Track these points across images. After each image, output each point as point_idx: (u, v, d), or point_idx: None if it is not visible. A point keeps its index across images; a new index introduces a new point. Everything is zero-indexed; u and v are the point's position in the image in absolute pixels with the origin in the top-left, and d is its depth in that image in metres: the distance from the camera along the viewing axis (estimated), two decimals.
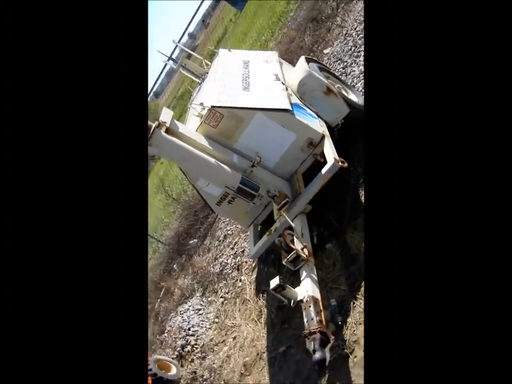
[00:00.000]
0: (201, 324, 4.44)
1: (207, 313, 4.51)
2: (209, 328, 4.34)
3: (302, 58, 3.66)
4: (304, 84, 3.50)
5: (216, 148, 3.11)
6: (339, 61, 4.63)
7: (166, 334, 4.87)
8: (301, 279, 2.78)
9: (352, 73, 4.27)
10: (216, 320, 4.33)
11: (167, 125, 2.89)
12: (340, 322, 2.72)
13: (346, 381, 2.50)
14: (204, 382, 3.84)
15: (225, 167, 3.00)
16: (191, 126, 3.24)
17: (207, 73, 4.22)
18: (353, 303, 2.80)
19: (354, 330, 2.67)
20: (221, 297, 4.46)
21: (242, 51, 4.27)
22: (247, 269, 4.29)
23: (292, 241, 2.92)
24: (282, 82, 3.50)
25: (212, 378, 3.78)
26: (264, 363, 3.30)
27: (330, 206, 3.46)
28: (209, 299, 4.65)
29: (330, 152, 3.04)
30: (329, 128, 3.46)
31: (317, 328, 2.40)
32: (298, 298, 2.68)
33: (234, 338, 3.85)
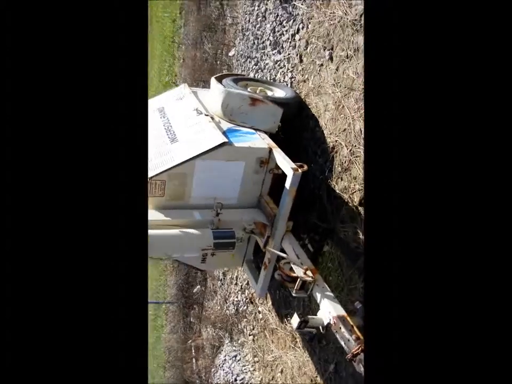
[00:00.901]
0: (244, 369, 4.29)
1: (244, 356, 4.36)
2: (253, 370, 4.19)
3: (213, 81, 3.48)
4: (227, 104, 3.32)
5: (174, 215, 2.93)
6: (249, 59, 4.46)
7: None
8: (318, 301, 2.65)
9: (266, 66, 4.11)
10: (256, 359, 4.18)
11: None
12: None
13: None
14: None
15: (191, 231, 2.83)
16: None
17: None
18: None
19: None
20: (249, 335, 4.31)
21: (151, 100, 4.05)
22: (259, 299, 4.14)
23: (291, 269, 2.78)
24: (205, 114, 3.32)
25: None
26: None
27: (308, 208, 3.33)
28: (239, 341, 4.49)
29: (284, 163, 2.89)
30: (272, 136, 3.31)
31: (358, 348, 2.28)
32: (325, 323, 2.55)
33: (281, 371, 3.72)
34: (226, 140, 2.92)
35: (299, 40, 3.58)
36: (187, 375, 5.77)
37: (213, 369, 4.94)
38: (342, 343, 2.39)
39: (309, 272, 2.69)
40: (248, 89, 3.56)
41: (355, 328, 2.39)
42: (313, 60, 3.40)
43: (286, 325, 3.71)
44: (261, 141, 3.12)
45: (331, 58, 3.18)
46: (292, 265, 2.79)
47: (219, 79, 3.54)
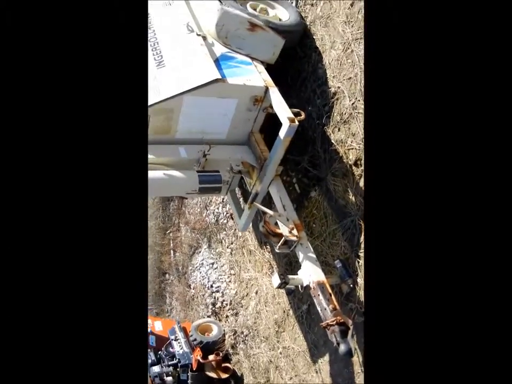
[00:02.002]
0: (220, 278, 4.51)
1: (221, 266, 4.55)
2: (229, 281, 4.41)
3: None
4: (223, 25, 2.91)
5: (159, 151, 2.75)
6: None
7: (193, 290, 5.02)
8: (300, 260, 2.66)
9: None
10: (232, 272, 4.37)
11: None
12: (351, 285, 2.68)
13: None
14: (246, 338, 4.03)
15: (177, 174, 2.69)
16: None
17: None
18: (358, 262, 2.72)
19: None
20: (227, 247, 4.44)
21: None
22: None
23: (276, 224, 2.73)
24: (197, 34, 2.92)
25: (251, 334, 3.96)
26: (293, 320, 3.38)
27: (300, 148, 3.17)
28: (217, 251, 4.64)
29: (281, 109, 2.65)
30: (269, 67, 2.99)
31: (334, 321, 2.36)
32: (305, 284, 2.60)
33: (256, 292, 3.93)
34: (219, 76, 2.62)
35: None
36: (164, 266, 6.08)
37: (190, 268, 5.20)
38: (319, 309, 2.47)
39: (294, 231, 2.66)
40: (248, 5, 3.10)
41: (333, 297, 2.45)
42: None
43: (264, 250, 3.81)
44: (257, 76, 2.82)
45: None
46: (277, 220, 2.74)
47: None
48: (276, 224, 2.74)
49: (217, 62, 2.81)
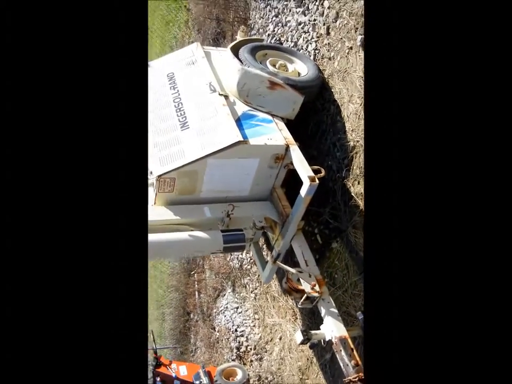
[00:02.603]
0: (245, 322, 4.61)
1: (246, 310, 4.66)
2: (253, 326, 4.51)
3: (229, 53, 3.21)
4: (244, 84, 3.11)
5: (184, 212, 2.92)
6: (268, 7, 4.03)
7: (217, 333, 5.12)
8: (322, 315, 2.76)
9: (288, 23, 3.74)
10: (256, 316, 4.47)
11: None
12: None
13: None
14: (271, 383, 4.11)
15: (202, 235, 2.84)
16: (149, 199, 3.01)
17: None
18: None
19: None
20: (251, 292, 4.55)
21: (163, 59, 3.75)
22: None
23: (299, 281, 2.85)
24: (219, 93, 3.12)
25: (275, 380, 4.03)
26: (317, 368, 3.46)
27: (322, 201, 3.30)
28: (241, 295, 4.76)
29: (301, 168, 2.79)
30: (289, 123, 3.15)
31: (356, 377, 2.44)
32: (327, 339, 2.69)
33: (280, 338, 4.01)
34: (241, 139, 2.79)
35: (328, 8, 3.22)
36: (189, 307, 6.22)
37: (214, 310, 5.32)
38: (341, 364, 2.55)
39: (316, 287, 2.77)
40: (268, 62, 3.29)
41: (355, 353, 2.54)
42: (341, 38, 3.10)
43: (287, 297, 3.91)
44: (278, 135, 2.98)
45: (363, 46, 2.89)
46: (299, 276, 2.85)
47: (235, 49, 3.26)
48: (298, 280, 2.86)
49: (239, 121, 2.99)
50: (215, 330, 5.28)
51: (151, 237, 2.75)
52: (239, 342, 4.62)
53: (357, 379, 2.44)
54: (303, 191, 2.76)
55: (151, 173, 2.84)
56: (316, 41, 3.39)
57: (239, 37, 3.73)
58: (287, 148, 2.93)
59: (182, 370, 5.06)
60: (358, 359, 2.52)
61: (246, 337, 4.53)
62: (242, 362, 4.63)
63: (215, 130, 2.91)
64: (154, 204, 2.89)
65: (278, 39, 3.90)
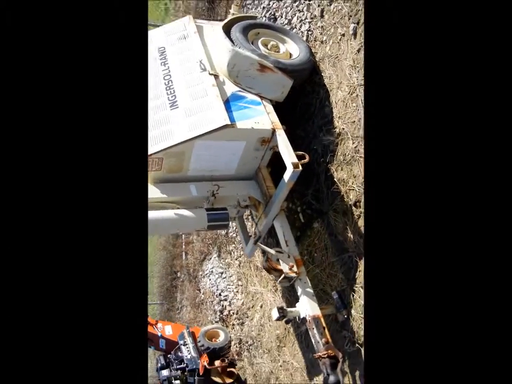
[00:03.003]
0: (228, 287, 4.87)
1: (230, 276, 4.90)
2: (236, 291, 4.76)
3: (220, 32, 3.24)
4: (234, 65, 3.16)
5: (171, 190, 3.06)
6: None
7: (202, 295, 5.40)
8: (298, 294, 2.98)
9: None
10: (240, 283, 4.72)
11: None
12: (345, 316, 2.99)
13: (362, 371, 2.89)
14: (250, 347, 4.41)
15: (187, 213, 2.99)
16: None
17: None
18: (353, 295, 3.02)
19: (360, 324, 2.95)
20: (236, 259, 4.78)
21: (154, 31, 3.74)
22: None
23: (278, 260, 3.04)
24: (209, 73, 3.18)
25: (255, 344, 4.33)
26: (293, 338, 3.73)
27: (306, 181, 3.44)
28: (226, 261, 4.99)
29: (286, 154, 2.91)
30: (277, 105, 3.24)
31: (325, 354, 2.68)
32: (301, 316, 2.92)
33: (261, 306, 4.27)
34: (228, 122, 2.88)
35: None
36: (176, 267, 6.48)
37: (200, 273, 5.57)
38: (313, 341, 2.79)
39: (294, 268, 2.97)
40: (259, 42, 3.33)
41: (326, 331, 2.77)
42: (335, 24, 3.14)
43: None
44: (265, 118, 3.07)
45: (355, 34, 2.95)
46: (279, 257, 3.04)
47: (227, 28, 3.29)
48: (278, 260, 3.05)
49: (227, 102, 3.08)
50: (200, 292, 5.57)
51: None
52: (223, 306, 4.90)
53: (325, 355, 2.68)
54: (286, 176, 2.90)
55: None
56: (309, 22, 3.42)
57: (233, 10, 3.73)
58: (273, 132, 3.03)
59: (168, 330, 5.38)
60: (328, 337, 2.75)
61: (229, 301, 4.81)
62: (224, 325, 4.94)
63: (203, 112, 2.99)
64: None
65: (272, 13, 3.90)
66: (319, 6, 3.30)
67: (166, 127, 2.97)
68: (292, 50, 3.42)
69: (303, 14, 3.48)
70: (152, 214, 2.93)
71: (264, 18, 4.01)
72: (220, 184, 3.14)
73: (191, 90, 3.14)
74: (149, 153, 2.87)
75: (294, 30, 3.59)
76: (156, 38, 3.60)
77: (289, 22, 3.65)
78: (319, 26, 3.32)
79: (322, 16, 3.28)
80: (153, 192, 3.01)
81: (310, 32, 3.42)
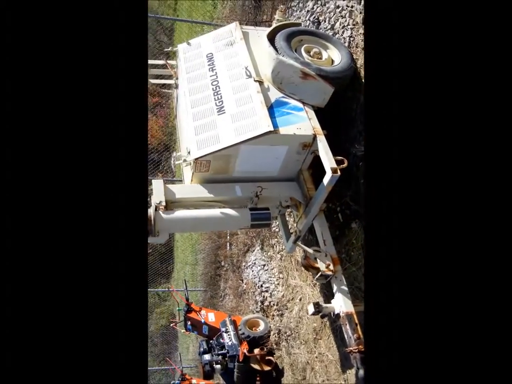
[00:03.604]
0: (270, 279, 5.15)
1: (272, 268, 5.18)
2: (277, 284, 5.04)
3: (265, 40, 3.46)
4: (278, 72, 3.39)
5: (217, 190, 3.34)
6: None
7: (244, 285, 5.72)
8: (334, 291, 3.21)
9: (326, 4, 3.91)
10: (281, 276, 4.99)
11: (163, 202, 3.14)
12: None
13: None
14: (289, 338, 4.69)
15: (232, 212, 3.27)
16: (186, 177, 3.45)
17: (177, 78, 4.11)
18: None
19: None
20: (278, 253, 5.05)
21: (202, 38, 4.00)
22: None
23: (316, 259, 3.27)
24: (254, 79, 3.42)
25: (293, 335, 4.60)
26: (329, 332, 3.97)
27: (346, 183, 3.64)
28: (268, 254, 5.27)
29: (325, 159, 3.12)
30: (319, 110, 3.45)
31: (356, 349, 2.92)
32: (336, 312, 3.15)
33: (300, 299, 4.53)
34: (271, 129, 3.12)
35: None
36: (220, 256, 6.83)
37: (243, 264, 5.89)
38: (345, 336, 3.03)
39: (330, 266, 3.20)
40: (302, 49, 3.53)
41: (358, 327, 2.99)
42: None
43: None
44: (307, 124, 3.29)
45: None
46: (317, 255, 3.28)
47: (271, 36, 3.51)
48: (315, 258, 3.29)
49: (271, 108, 3.31)
50: (242, 282, 5.90)
51: (187, 212, 3.21)
52: (264, 297, 5.20)
53: (356, 350, 2.91)
54: (326, 180, 3.11)
55: (189, 153, 3.25)
56: (351, 29, 3.58)
57: (277, 16, 3.94)
58: (314, 137, 3.25)
59: (210, 317, 5.75)
60: (360, 333, 2.97)
61: (270, 293, 5.09)
62: (265, 315, 5.24)
63: (248, 118, 3.24)
64: (192, 181, 3.33)
65: (316, 17, 4.08)
66: (360, 13, 3.46)
67: (213, 132, 3.25)
68: (334, 57, 3.60)
69: (346, 20, 3.65)
70: (199, 212, 3.24)
71: (308, 21, 4.20)
72: (263, 185, 3.40)
73: (237, 96, 3.39)
74: (197, 156, 3.17)
75: (337, 36, 3.76)
76: (204, 43, 3.87)
77: (332, 27, 3.83)
78: (360, 33, 3.48)
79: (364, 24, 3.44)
80: (200, 192, 3.31)
81: (351, 39, 3.59)
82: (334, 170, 3.04)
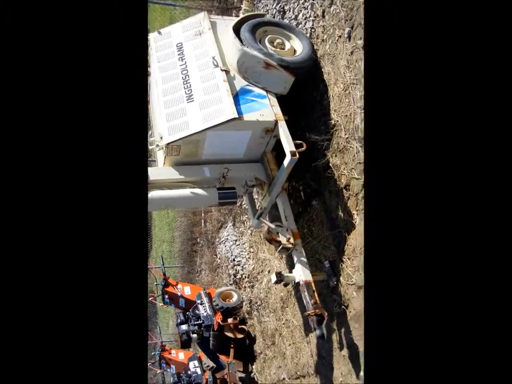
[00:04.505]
0: (241, 254, 5.61)
1: (243, 243, 5.63)
2: (248, 257, 5.50)
3: (231, 32, 3.81)
4: (243, 62, 3.75)
5: (187, 172, 3.73)
6: None
7: (218, 260, 6.17)
8: (294, 262, 3.66)
9: None
10: (251, 250, 5.45)
11: None
12: (335, 282, 3.68)
13: (347, 329, 3.59)
14: (259, 307, 5.18)
15: (201, 192, 3.67)
16: (159, 160, 3.83)
17: (149, 66, 4.43)
18: (341, 264, 3.69)
19: (346, 289, 3.63)
20: (248, 228, 5.49)
21: (172, 27, 4.30)
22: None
23: (278, 233, 3.71)
24: (221, 69, 3.78)
25: (263, 305, 5.09)
26: (294, 300, 4.45)
27: (307, 164, 4.06)
28: (240, 229, 5.71)
29: (285, 143, 3.52)
30: (282, 97, 3.83)
31: (313, 312, 3.39)
32: (296, 281, 3.61)
33: (268, 271, 5.00)
34: (236, 116, 3.50)
35: None
36: (195, 233, 7.27)
37: (217, 240, 6.33)
38: (304, 301, 3.49)
39: (291, 240, 3.64)
40: (267, 40, 3.88)
41: (315, 294, 3.46)
42: (333, 25, 3.67)
43: None
44: (269, 111, 3.67)
45: (349, 38, 3.48)
46: (279, 230, 3.72)
47: (237, 27, 3.85)
48: (278, 233, 3.73)
49: (236, 96, 3.69)
50: (217, 257, 6.35)
51: (161, 192, 3.61)
52: (236, 270, 5.66)
53: (313, 313, 3.38)
54: (286, 162, 3.53)
55: (161, 138, 3.62)
56: (313, 21, 3.95)
57: (244, 6, 4.28)
58: (276, 123, 3.65)
59: (187, 290, 6.21)
60: (316, 298, 3.44)
61: (242, 266, 5.56)
62: (237, 287, 5.71)
63: (215, 105, 3.61)
64: (164, 164, 3.71)
65: (282, 7, 4.42)
66: (321, 6, 3.82)
67: (182, 119, 3.62)
68: (296, 47, 3.96)
69: (308, 12, 4.01)
70: (171, 192, 3.63)
71: (274, 10, 4.54)
72: (230, 166, 3.80)
73: (205, 85, 3.75)
74: (169, 141, 3.54)
75: (300, 26, 4.13)
76: (175, 33, 4.19)
77: (296, 18, 4.18)
78: (321, 25, 3.85)
79: (323, 16, 3.81)
80: (172, 174, 3.70)
81: (313, 30, 3.96)
82: (293, 154, 3.45)
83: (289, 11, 4.31)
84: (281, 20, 4.38)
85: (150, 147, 3.72)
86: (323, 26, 3.83)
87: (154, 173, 3.69)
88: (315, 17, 3.93)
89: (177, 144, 3.58)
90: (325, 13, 3.78)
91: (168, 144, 3.55)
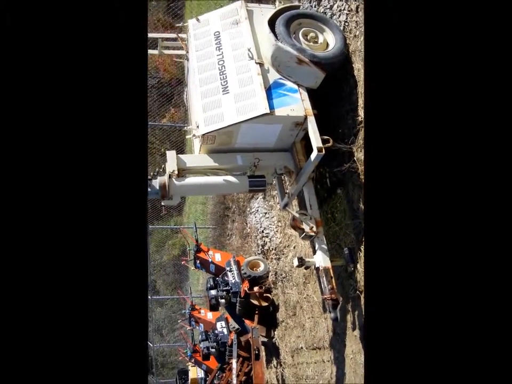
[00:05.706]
0: (270, 226, 6.09)
1: (272, 217, 6.09)
2: (276, 231, 5.98)
3: (266, 26, 4.10)
4: (276, 57, 4.06)
5: (221, 159, 4.15)
6: None
7: (248, 229, 6.68)
8: (315, 248, 4.10)
9: None
10: (280, 224, 5.91)
11: (176, 171, 3.98)
12: (352, 268, 4.12)
13: (360, 312, 4.06)
14: (284, 279, 5.70)
15: (233, 180, 4.10)
16: (195, 148, 4.26)
17: (187, 52, 4.76)
18: (359, 253, 4.12)
19: (362, 276, 4.07)
20: (278, 203, 5.93)
21: (210, 15, 4.56)
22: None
23: (302, 222, 4.14)
24: (255, 62, 4.11)
25: (287, 278, 5.60)
26: (315, 278, 4.94)
27: (333, 154, 4.41)
28: (270, 203, 6.15)
29: (313, 138, 3.86)
30: (312, 90, 4.15)
31: (329, 296, 3.86)
32: (316, 266, 4.07)
33: (294, 247, 5.47)
34: (268, 111, 3.86)
35: None
36: (227, 200, 7.76)
37: (248, 209, 6.81)
38: (322, 286, 3.96)
39: (314, 228, 4.07)
40: (300, 33, 4.16)
41: (333, 280, 3.91)
42: None
43: None
44: (300, 106, 4.01)
45: None
46: (302, 218, 4.14)
47: (272, 22, 4.13)
48: (302, 222, 4.16)
49: (269, 90, 4.03)
50: (247, 226, 6.85)
51: (196, 179, 4.07)
52: (264, 241, 6.16)
53: (330, 298, 3.85)
54: (312, 157, 3.90)
55: (198, 127, 4.04)
56: (347, 14, 4.18)
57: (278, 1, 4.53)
58: (305, 118, 3.99)
59: (217, 257, 6.79)
60: (333, 284, 3.90)
61: (270, 238, 6.04)
62: (265, 258, 6.23)
63: (249, 99, 3.98)
64: (200, 152, 4.14)
65: None
66: (355, 0, 4.04)
67: (218, 110, 4.01)
68: (329, 40, 4.22)
69: (343, 4, 4.24)
70: (205, 179, 4.09)
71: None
72: (261, 156, 4.20)
73: (240, 77, 4.10)
74: (205, 132, 3.95)
75: (334, 17, 4.36)
76: (213, 21, 4.50)
77: (331, 8, 4.41)
78: (354, 21, 4.09)
79: (357, 11, 4.04)
80: (208, 161, 4.13)
81: (346, 24, 4.20)
82: (319, 150, 3.81)
83: (325, 0, 4.53)
84: (316, 9, 4.61)
85: (187, 136, 4.15)
86: (356, 22, 4.06)
87: (190, 160, 4.13)
88: (349, 11, 4.16)
89: (212, 135, 3.99)
90: (359, 8, 4.01)
91: (203, 134, 3.96)
